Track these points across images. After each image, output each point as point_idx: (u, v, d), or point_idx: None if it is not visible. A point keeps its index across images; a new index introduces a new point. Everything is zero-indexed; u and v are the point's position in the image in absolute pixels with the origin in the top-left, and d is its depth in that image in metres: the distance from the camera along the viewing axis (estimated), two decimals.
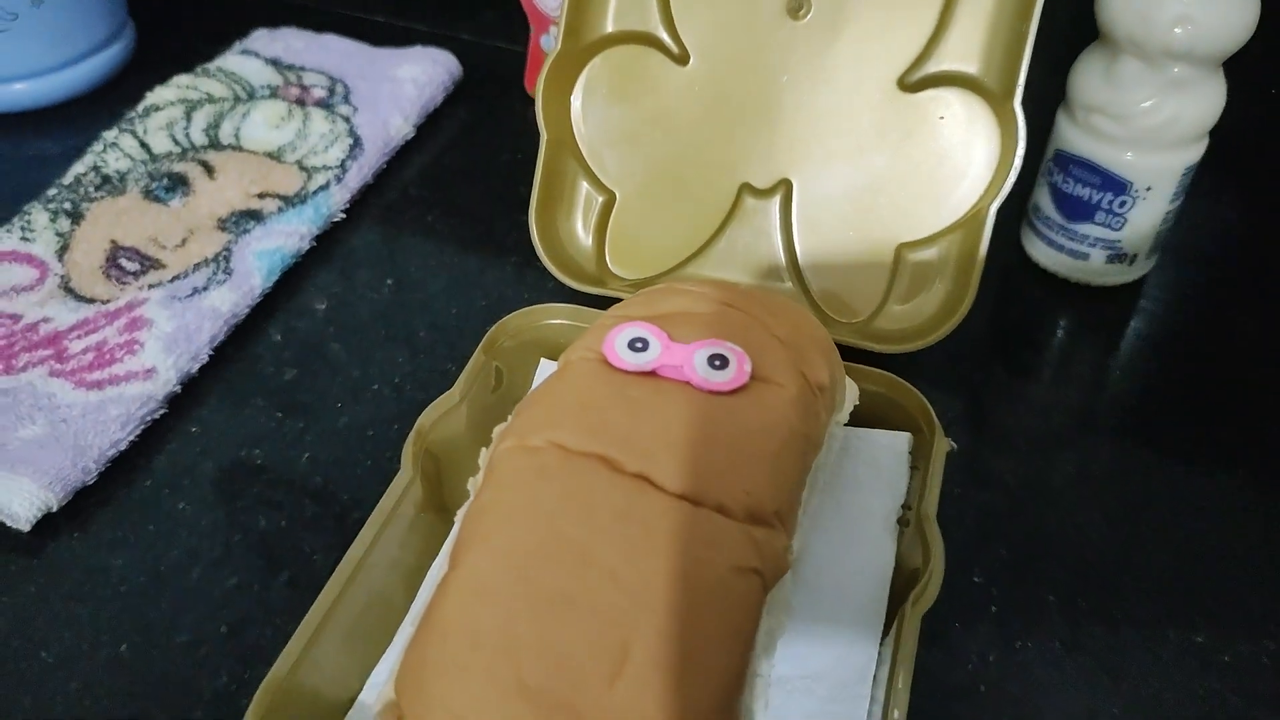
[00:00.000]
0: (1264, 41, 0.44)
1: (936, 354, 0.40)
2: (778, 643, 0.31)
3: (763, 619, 0.29)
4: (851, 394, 0.34)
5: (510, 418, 0.28)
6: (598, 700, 0.21)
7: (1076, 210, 0.43)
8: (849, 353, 0.38)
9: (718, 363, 0.27)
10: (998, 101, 0.37)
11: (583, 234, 0.43)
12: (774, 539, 0.25)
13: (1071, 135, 0.42)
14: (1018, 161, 0.36)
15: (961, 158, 0.38)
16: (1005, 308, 0.46)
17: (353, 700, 0.31)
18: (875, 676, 0.31)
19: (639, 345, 0.27)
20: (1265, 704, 0.32)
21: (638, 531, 0.23)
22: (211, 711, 0.32)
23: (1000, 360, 0.43)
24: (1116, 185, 0.41)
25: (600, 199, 0.43)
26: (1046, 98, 0.44)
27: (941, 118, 0.38)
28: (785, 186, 0.40)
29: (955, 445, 0.35)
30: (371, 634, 0.31)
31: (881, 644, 0.31)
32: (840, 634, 0.31)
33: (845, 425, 0.36)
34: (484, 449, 0.28)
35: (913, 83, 0.38)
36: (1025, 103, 0.37)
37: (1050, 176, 0.44)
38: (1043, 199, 0.44)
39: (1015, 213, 0.47)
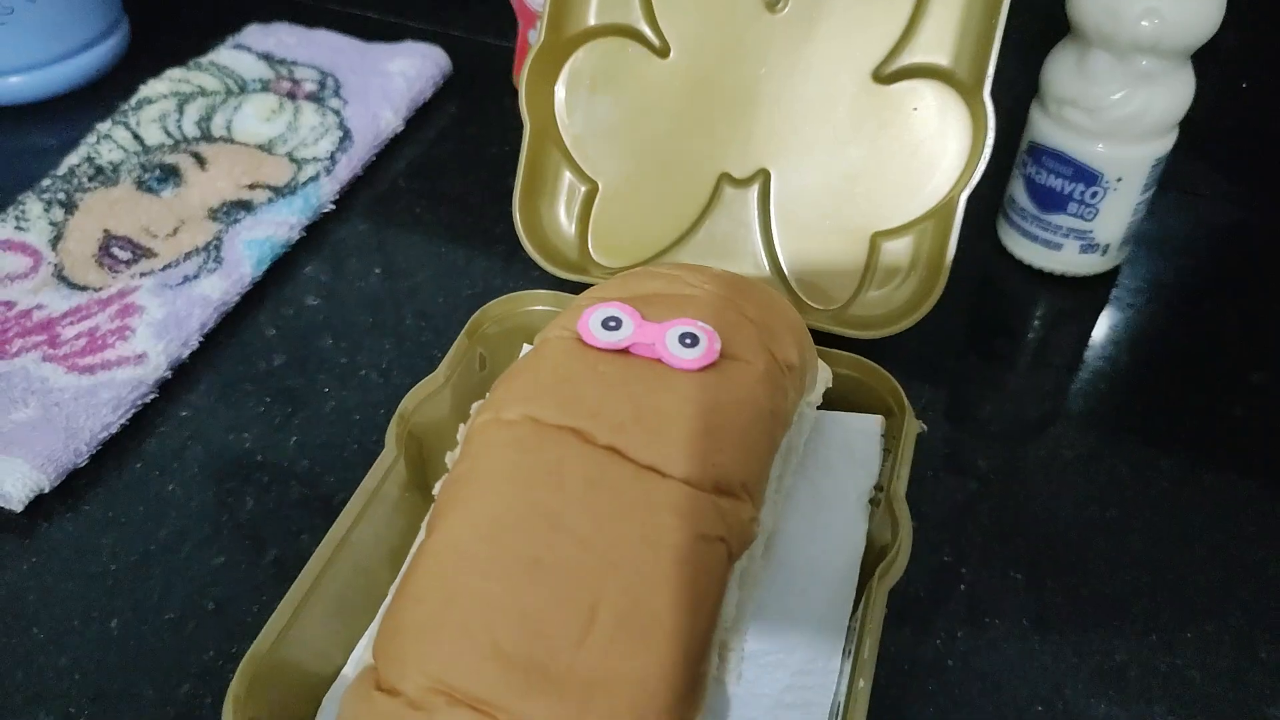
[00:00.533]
0: (1235, 35, 0.45)
1: (914, 342, 0.41)
2: (749, 617, 0.32)
3: (733, 592, 0.30)
4: (824, 376, 0.35)
5: (488, 394, 0.29)
6: (567, 659, 0.22)
7: (1050, 201, 0.44)
8: (826, 338, 0.39)
9: (688, 340, 0.28)
10: (969, 92, 0.38)
11: (566, 223, 0.44)
12: (740, 509, 0.25)
13: (1044, 127, 0.43)
14: (987, 151, 0.37)
15: (934, 148, 0.39)
16: (982, 298, 0.47)
17: (336, 674, 0.31)
18: (846, 649, 0.31)
19: (612, 324, 0.28)
20: (1225, 679, 0.33)
21: (607, 500, 0.24)
22: (199, 685, 0.33)
23: (976, 349, 0.44)
24: (1088, 176, 0.42)
25: (583, 188, 0.44)
26: (1021, 91, 0.44)
27: (915, 109, 0.39)
28: (763, 176, 0.41)
29: (926, 427, 0.36)
30: (355, 610, 0.32)
31: (852, 619, 0.32)
32: (813, 610, 0.32)
33: (820, 408, 0.37)
34: (462, 424, 0.29)
35: (887, 75, 0.39)
36: (999, 95, 0.38)
37: (1024, 168, 0.45)
38: (1017, 191, 0.45)
39: (992, 205, 0.48)
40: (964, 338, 0.45)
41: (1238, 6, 0.44)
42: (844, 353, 0.37)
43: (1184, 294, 0.47)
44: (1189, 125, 0.43)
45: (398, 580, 0.28)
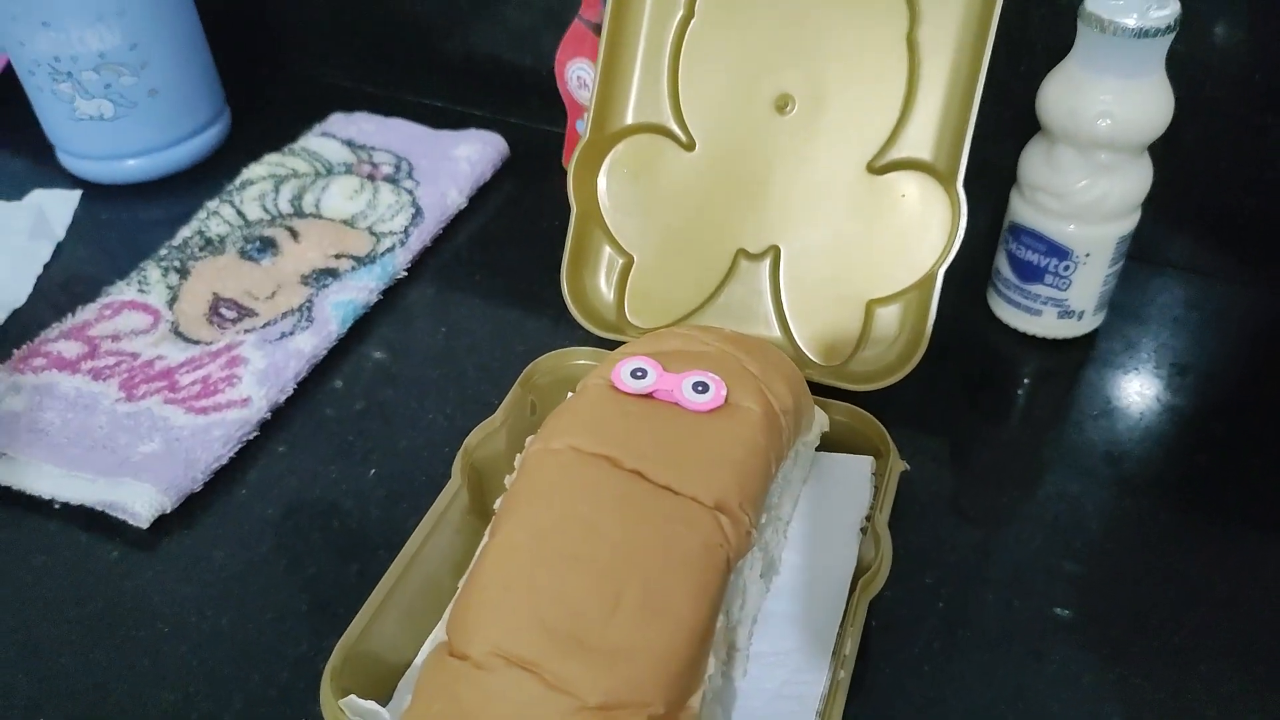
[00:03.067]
0: (1195, 128, 0.51)
1: (911, 394, 0.47)
2: (753, 623, 0.38)
3: (738, 597, 0.36)
4: (820, 422, 0.41)
5: (539, 429, 0.35)
6: (597, 633, 0.29)
7: (1028, 273, 0.50)
8: (828, 390, 0.45)
9: (700, 388, 0.34)
10: (947, 182, 0.45)
11: (606, 290, 0.51)
12: (738, 523, 0.32)
13: (1022, 210, 0.49)
14: (960, 232, 0.44)
15: (918, 229, 0.45)
16: (973, 358, 0.52)
17: (408, 664, 0.38)
18: (836, 651, 0.37)
19: (639, 374, 0.35)
20: (1168, 688, 0.38)
21: (632, 512, 0.31)
22: (295, 671, 0.39)
23: (967, 402, 0.50)
24: (1060, 252, 0.48)
25: (621, 261, 0.51)
26: (1007, 178, 0.51)
27: (903, 195, 0.46)
28: (774, 251, 0.48)
29: (908, 466, 0.41)
30: (424, 612, 0.38)
31: (842, 626, 0.38)
32: (810, 619, 0.38)
33: (820, 449, 0.43)
34: (518, 454, 0.36)
35: (879, 167, 0.46)
36: (986, 183, 0.44)
37: (1007, 244, 0.51)
38: (1002, 263, 0.52)
39: (983, 276, 0.54)
40: (956, 392, 0.50)
41: (1195, 102, 0.51)
42: (840, 402, 0.43)
43: (1155, 356, 0.52)
44: (1162, 205, 0.49)
45: (464, 579, 0.35)
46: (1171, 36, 0.43)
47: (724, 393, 0.34)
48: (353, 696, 0.34)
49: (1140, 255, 0.53)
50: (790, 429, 0.37)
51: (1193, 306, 0.55)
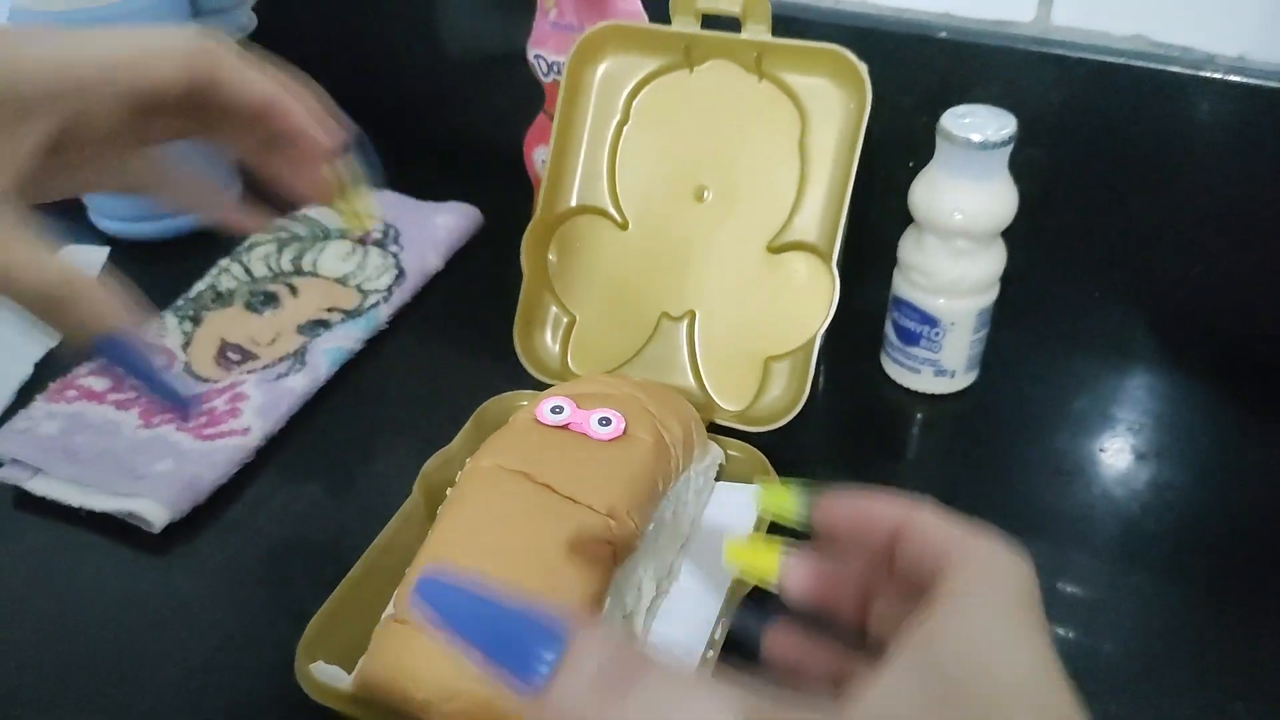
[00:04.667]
0: (1050, 217, 0.61)
1: (811, 437, 0.56)
2: (647, 615, 0.46)
3: (631, 590, 0.45)
4: (716, 454, 0.51)
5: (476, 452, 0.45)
6: None
7: (908, 337, 0.59)
8: (733, 431, 0.54)
9: (604, 421, 0.43)
10: (828, 261, 0.54)
11: (551, 344, 0.60)
12: (625, 527, 0.41)
13: (901, 285, 0.59)
14: (834, 303, 0.53)
15: (806, 299, 0.55)
16: (865, 408, 0.61)
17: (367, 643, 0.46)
18: (712, 638, 0.46)
19: (557, 410, 0.44)
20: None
21: (541, 515, 0.40)
22: (279, 646, 0.47)
23: (855, 442, 0.59)
24: (931, 321, 0.58)
25: (565, 319, 0.60)
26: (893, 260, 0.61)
27: (795, 271, 0.55)
28: (691, 315, 0.58)
29: None
30: (383, 599, 0.47)
31: (717, 619, 0.46)
32: (695, 615, 0.47)
33: (718, 479, 0.52)
34: (459, 472, 0.45)
35: (776, 247, 0.56)
36: (871, 262, 0.54)
37: (891, 314, 0.60)
38: (889, 329, 0.61)
39: (878, 340, 0.64)
40: (847, 435, 0.59)
41: (1052, 195, 0.61)
42: (735, 440, 0.52)
43: (1019, 410, 0.61)
44: (1028, 280, 0.58)
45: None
46: (1009, 148, 0.53)
47: (623, 426, 0.44)
48: (320, 661, 0.42)
49: (1009, 323, 0.63)
50: (680, 457, 0.46)
51: (1054, 367, 0.64)
